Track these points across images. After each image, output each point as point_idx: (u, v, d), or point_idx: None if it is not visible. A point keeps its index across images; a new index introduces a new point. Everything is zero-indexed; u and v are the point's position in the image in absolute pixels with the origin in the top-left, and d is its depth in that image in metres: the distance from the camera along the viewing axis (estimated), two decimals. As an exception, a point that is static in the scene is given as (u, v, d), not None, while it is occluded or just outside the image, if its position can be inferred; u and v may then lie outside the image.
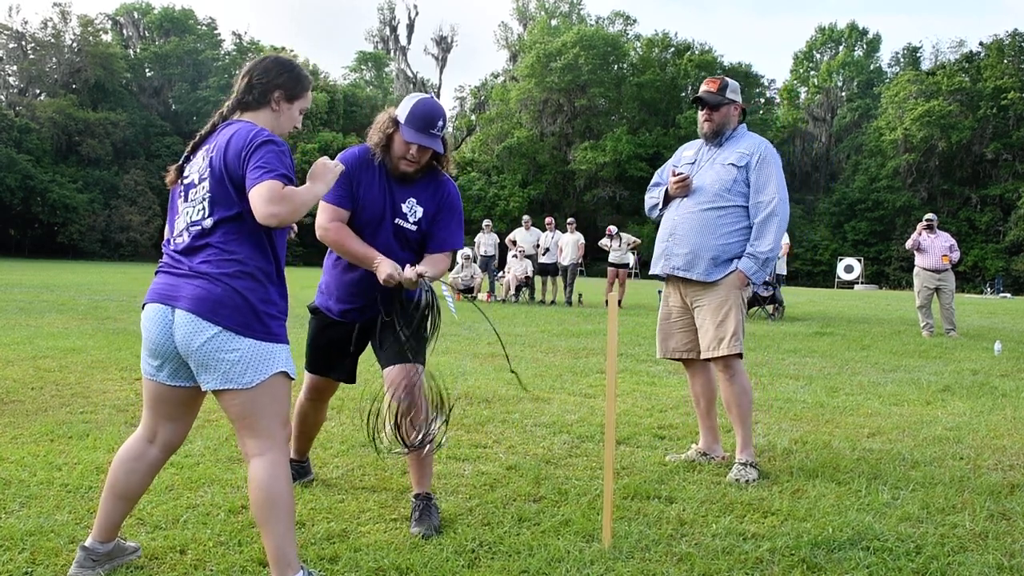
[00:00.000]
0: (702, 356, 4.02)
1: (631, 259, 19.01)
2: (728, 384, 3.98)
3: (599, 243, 16.68)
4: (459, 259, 17.66)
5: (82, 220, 45.18)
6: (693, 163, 4.13)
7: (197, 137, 2.56)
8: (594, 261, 36.10)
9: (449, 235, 3.22)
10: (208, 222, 2.42)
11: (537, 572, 2.67)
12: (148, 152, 51.28)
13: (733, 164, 3.96)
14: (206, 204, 2.42)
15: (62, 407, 4.94)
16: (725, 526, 3.14)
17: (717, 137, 4.06)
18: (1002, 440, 4.79)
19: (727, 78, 4.12)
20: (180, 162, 2.56)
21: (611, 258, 15.89)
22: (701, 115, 4.08)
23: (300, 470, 3.59)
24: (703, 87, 4.11)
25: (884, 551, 2.92)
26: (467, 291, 17.55)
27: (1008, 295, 36.41)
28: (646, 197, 4.35)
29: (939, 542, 3.02)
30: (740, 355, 3.95)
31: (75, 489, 3.34)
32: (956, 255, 11.89)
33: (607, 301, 3.13)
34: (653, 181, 4.34)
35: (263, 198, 2.27)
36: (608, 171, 51.45)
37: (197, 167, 2.49)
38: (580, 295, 17.10)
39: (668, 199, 4.17)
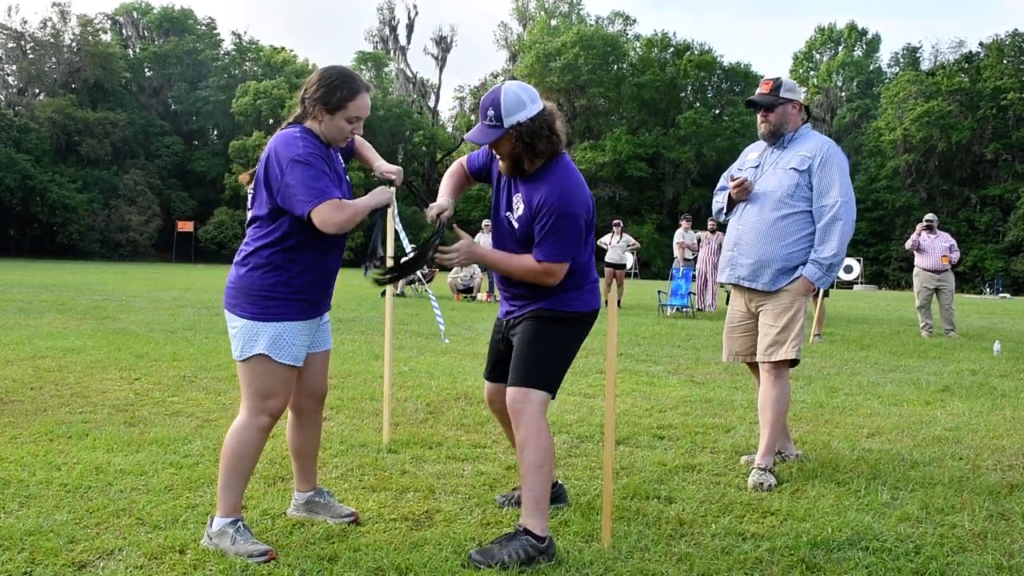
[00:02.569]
0: (758, 359, 4.00)
1: (629, 260, 19.02)
2: (770, 387, 3.94)
3: (599, 241, 16.68)
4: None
5: (81, 220, 45.19)
6: (757, 166, 4.06)
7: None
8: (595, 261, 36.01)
9: (541, 244, 2.85)
10: (248, 214, 2.82)
11: (537, 572, 2.67)
12: (148, 152, 51.29)
13: (795, 168, 3.87)
14: (250, 200, 2.83)
15: (61, 407, 4.94)
16: (724, 526, 3.14)
17: (776, 138, 4.00)
18: (1001, 440, 4.79)
19: (782, 77, 4.03)
20: (257, 167, 2.85)
21: (608, 257, 15.87)
22: (758, 118, 4.02)
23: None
24: (758, 90, 4.05)
25: (883, 551, 2.92)
26: (467, 291, 17.57)
27: (1007, 295, 36.43)
28: (713, 201, 4.31)
29: (938, 542, 3.02)
30: (794, 363, 3.93)
31: (74, 489, 3.33)
32: (956, 255, 11.92)
33: (606, 301, 3.12)
34: (719, 185, 4.28)
35: (322, 221, 2.64)
36: (608, 171, 51.47)
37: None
38: (579, 295, 17.08)
39: (732, 203, 4.13)
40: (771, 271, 3.90)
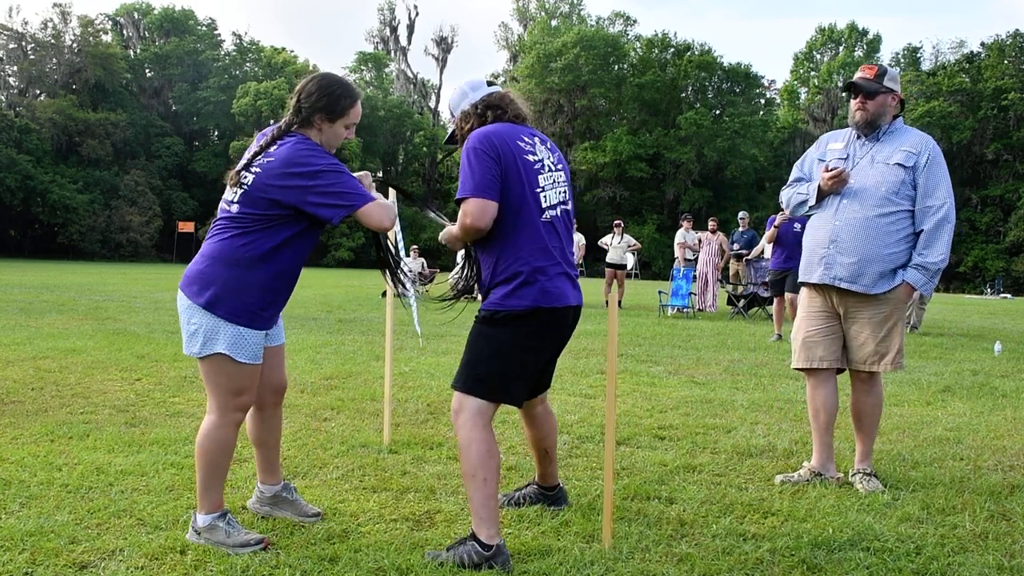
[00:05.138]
0: (854, 367, 3.82)
1: (630, 260, 18.99)
2: (866, 395, 3.84)
3: (599, 242, 16.69)
4: (459, 259, 17.64)
5: (82, 220, 45.19)
6: (845, 158, 3.79)
7: (259, 147, 2.83)
8: (594, 261, 36.12)
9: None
10: (234, 208, 2.78)
11: (537, 572, 2.67)
12: (148, 152, 51.28)
13: (900, 164, 3.65)
14: (238, 194, 2.78)
15: (62, 407, 4.94)
16: (725, 527, 3.14)
17: (871, 129, 3.75)
18: (1002, 441, 4.79)
19: (886, 65, 3.74)
20: (239, 168, 2.83)
21: (609, 258, 15.88)
22: (854, 103, 3.76)
23: (545, 496, 3.33)
24: (859, 73, 3.80)
25: (884, 552, 2.92)
26: (467, 291, 17.54)
27: (1008, 295, 36.41)
28: (788, 193, 3.99)
29: (939, 543, 3.02)
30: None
31: (75, 489, 3.34)
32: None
33: (607, 301, 3.12)
34: (794, 176, 4.01)
35: (377, 219, 2.71)
36: (608, 171, 51.44)
37: (251, 170, 2.79)
38: (580, 295, 17.07)
39: (822, 195, 3.82)
40: (873, 272, 3.66)
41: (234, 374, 2.78)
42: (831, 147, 3.90)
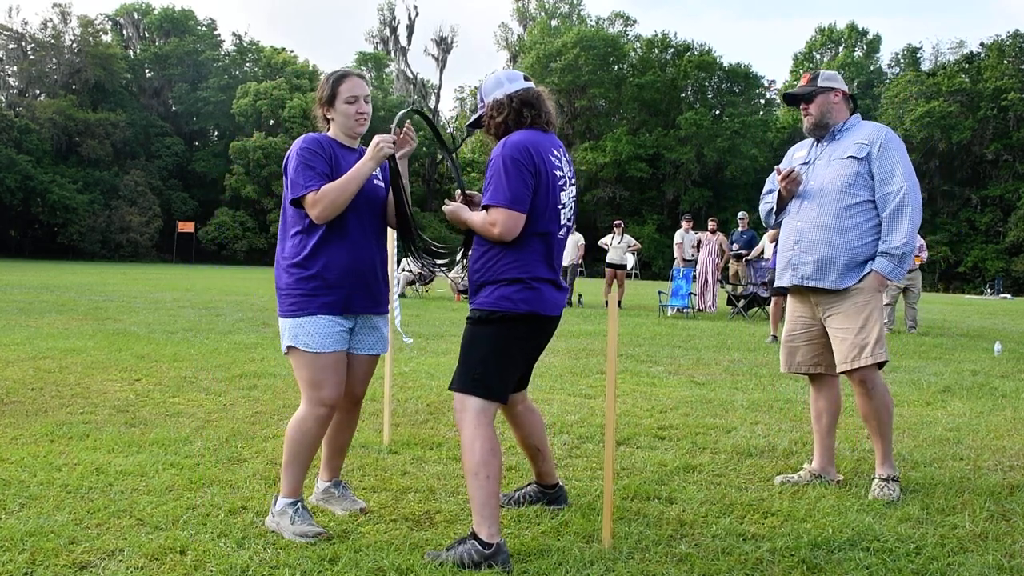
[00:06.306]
0: (839, 369, 3.71)
1: (630, 260, 19.00)
2: (867, 399, 3.67)
3: (599, 242, 16.70)
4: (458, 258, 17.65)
5: (82, 221, 45.22)
6: (807, 163, 3.82)
7: None
8: (594, 261, 36.17)
9: (484, 192, 2.88)
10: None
11: (537, 572, 2.67)
12: (148, 153, 51.30)
13: (853, 156, 3.63)
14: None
15: (62, 408, 4.94)
16: (725, 527, 3.14)
17: (823, 130, 3.77)
18: (1002, 441, 4.79)
19: (821, 69, 3.84)
20: None
21: (609, 258, 15.91)
22: (801, 113, 3.83)
23: (545, 495, 3.36)
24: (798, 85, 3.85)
25: (884, 552, 2.92)
26: (467, 291, 17.57)
27: (1008, 296, 36.42)
28: (760, 205, 4.06)
29: (939, 543, 3.02)
30: (882, 363, 3.65)
31: (75, 490, 3.33)
32: (925, 255, 12.89)
33: (607, 301, 3.13)
34: (766, 188, 4.03)
35: (313, 213, 2.90)
36: (608, 171, 51.49)
37: None
38: (580, 296, 17.09)
39: (783, 202, 3.87)
40: (838, 267, 3.62)
41: (306, 364, 2.95)
42: (796, 156, 3.95)
